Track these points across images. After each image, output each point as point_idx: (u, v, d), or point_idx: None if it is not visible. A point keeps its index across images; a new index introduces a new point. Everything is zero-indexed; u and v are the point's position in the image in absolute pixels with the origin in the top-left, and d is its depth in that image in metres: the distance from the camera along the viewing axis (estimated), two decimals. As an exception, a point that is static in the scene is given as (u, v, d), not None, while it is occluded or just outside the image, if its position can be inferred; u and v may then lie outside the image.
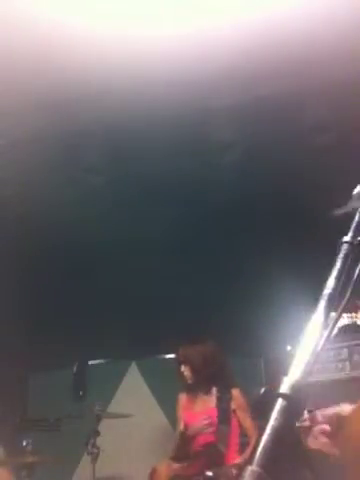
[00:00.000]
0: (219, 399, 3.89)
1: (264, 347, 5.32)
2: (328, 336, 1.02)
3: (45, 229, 4.37)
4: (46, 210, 4.23)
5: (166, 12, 2.90)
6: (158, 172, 3.94)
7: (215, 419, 3.83)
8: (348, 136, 3.65)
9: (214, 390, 3.96)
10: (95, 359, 5.88)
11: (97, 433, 4.26)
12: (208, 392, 3.99)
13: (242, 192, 4.15)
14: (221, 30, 3.00)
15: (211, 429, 3.78)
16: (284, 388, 0.96)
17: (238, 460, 3.66)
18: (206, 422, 3.79)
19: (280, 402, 0.95)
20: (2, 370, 5.04)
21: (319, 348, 1.01)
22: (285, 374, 0.98)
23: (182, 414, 4.07)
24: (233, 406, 3.90)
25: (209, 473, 3.52)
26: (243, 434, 3.95)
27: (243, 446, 3.91)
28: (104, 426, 4.50)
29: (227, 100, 3.46)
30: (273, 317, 4.63)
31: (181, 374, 4.04)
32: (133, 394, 5.64)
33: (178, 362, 4.08)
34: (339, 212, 2.09)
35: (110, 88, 3.33)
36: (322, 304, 1.05)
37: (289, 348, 4.04)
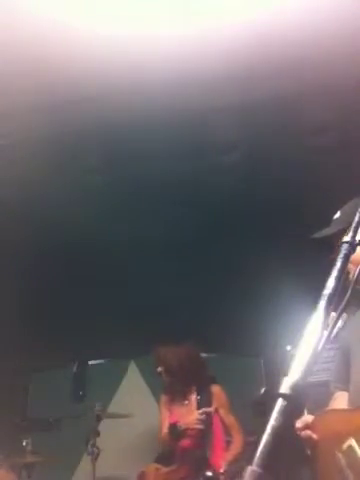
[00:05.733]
0: (199, 402, 3.87)
1: (264, 347, 5.33)
2: (328, 336, 1.02)
3: (45, 229, 4.37)
4: (46, 210, 4.23)
5: (166, 12, 2.90)
6: (158, 172, 3.94)
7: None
8: (349, 137, 3.65)
9: (194, 392, 3.95)
10: (95, 359, 5.88)
11: (97, 433, 4.27)
12: (187, 393, 3.98)
13: (242, 192, 4.16)
14: (221, 30, 3.00)
15: (202, 426, 3.74)
16: (284, 388, 0.96)
17: (223, 465, 3.61)
18: (200, 418, 3.73)
19: (280, 402, 0.96)
20: (2, 370, 5.05)
21: (319, 348, 1.01)
22: (285, 374, 0.98)
23: (166, 415, 4.04)
24: (214, 405, 3.87)
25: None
26: (227, 433, 3.92)
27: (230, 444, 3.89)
28: (104, 426, 4.50)
29: (227, 100, 3.46)
30: (273, 317, 4.64)
31: (159, 375, 4.07)
32: (133, 394, 5.65)
33: (155, 364, 4.09)
34: (320, 235, 2.13)
35: (110, 88, 3.33)
36: (322, 304, 1.05)
37: (289, 348, 4.04)
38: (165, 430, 3.91)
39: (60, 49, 3.05)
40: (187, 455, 3.78)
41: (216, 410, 3.87)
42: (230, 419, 3.92)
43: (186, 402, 3.97)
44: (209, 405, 3.84)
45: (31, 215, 4.25)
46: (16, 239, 4.35)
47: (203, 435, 3.77)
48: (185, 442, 3.80)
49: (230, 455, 3.76)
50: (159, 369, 4.03)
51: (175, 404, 4.03)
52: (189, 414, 3.86)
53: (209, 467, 3.59)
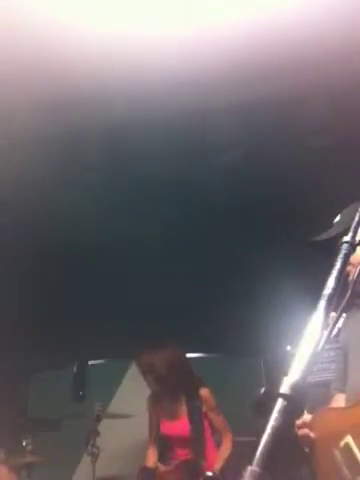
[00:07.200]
0: (189, 410, 3.79)
1: (264, 347, 5.32)
2: (328, 336, 1.02)
3: (45, 229, 4.37)
4: (46, 210, 4.23)
5: (166, 13, 2.90)
6: (158, 172, 3.94)
7: (187, 433, 3.75)
8: (348, 137, 3.65)
9: (183, 397, 3.86)
10: (95, 359, 5.88)
11: (97, 433, 4.26)
12: (176, 399, 3.88)
13: (242, 192, 4.15)
14: (221, 30, 3.00)
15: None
16: (284, 388, 0.96)
17: (213, 469, 3.55)
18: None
19: (280, 402, 0.95)
20: (2, 370, 5.05)
21: (319, 348, 1.01)
22: (285, 374, 0.98)
23: (156, 423, 3.94)
24: (204, 408, 3.80)
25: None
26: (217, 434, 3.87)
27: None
28: (104, 426, 4.49)
29: (227, 100, 3.46)
30: (273, 317, 4.63)
31: (146, 381, 3.94)
32: (133, 394, 5.64)
33: (141, 371, 3.96)
34: (321, 238, 2.13)
35: (110, 88, 3.33)
36: (322, 304, 1.05)
37: (289, 348, 4.04)
38: (154, 439, 3.92)
39: (60, 49, 3.05)
40: (182, 464, 3.73)
41: (205, 414, 3.81)
42: (219, 420, 3.85)
43: (176, 411, 3.88)
44: (200, 411, 3.78)
45: (31, 215, 4.25)
46: (16, 239, 4.35)
47: (197, 445, 3.73)
48: (180, 452, 3.79)
49: (221, 457, 3.70)
50: (148, 377, 3.90)
51: (166, 413, 3.92)
52: (180, 422, 3.81)
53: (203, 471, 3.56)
